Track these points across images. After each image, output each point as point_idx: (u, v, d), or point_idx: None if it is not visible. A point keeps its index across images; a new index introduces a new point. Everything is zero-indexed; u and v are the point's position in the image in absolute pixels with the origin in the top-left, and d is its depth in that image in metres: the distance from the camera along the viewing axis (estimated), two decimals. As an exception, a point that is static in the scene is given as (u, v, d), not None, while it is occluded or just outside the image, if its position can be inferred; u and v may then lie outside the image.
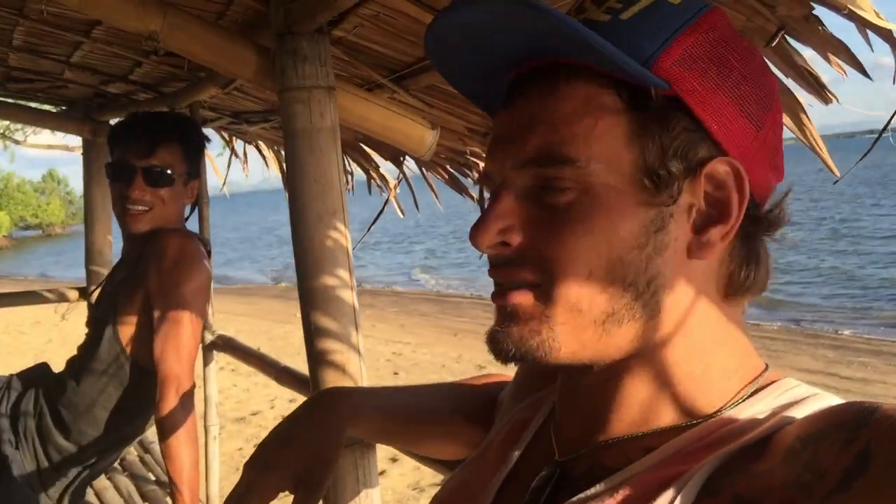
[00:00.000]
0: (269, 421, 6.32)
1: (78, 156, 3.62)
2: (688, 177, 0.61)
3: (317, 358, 1.46)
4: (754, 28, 1.18)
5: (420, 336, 10.81)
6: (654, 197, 0.61)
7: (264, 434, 1.42)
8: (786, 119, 1.29)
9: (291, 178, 1.46)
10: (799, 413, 0.59)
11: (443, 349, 9.65)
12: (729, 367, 0.65)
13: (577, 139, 0.61)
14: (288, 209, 1.47)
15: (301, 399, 1.25)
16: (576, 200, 0.62)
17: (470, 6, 0.61)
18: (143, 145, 2.12)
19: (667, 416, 0.64)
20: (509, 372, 0.99)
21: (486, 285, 0.70)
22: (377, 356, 9.08)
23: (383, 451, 5.06)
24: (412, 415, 1.10)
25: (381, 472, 4.85)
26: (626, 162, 0.61)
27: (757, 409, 0.62)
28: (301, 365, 1.67)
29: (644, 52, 0.60)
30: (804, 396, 0.62)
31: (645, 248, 0.61)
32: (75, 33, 2.28)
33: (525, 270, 0.64)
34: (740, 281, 0.65)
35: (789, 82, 1.24)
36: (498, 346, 0.66)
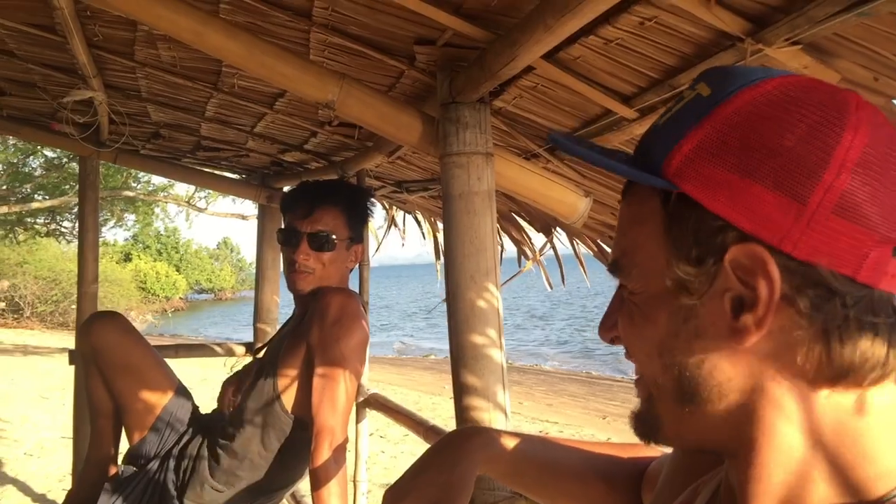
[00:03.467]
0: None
1: (248, 225, 3.93)
2: (712, 266, 0.61)
3: (463, 414, 1.49)
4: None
5: (568, 416, 10.57)
6: (676, 292, 0.63)
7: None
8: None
9: (448, 239, 1.52)
10: None
11: (590, 431, 9.38)
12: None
13: (628, 248, 0.68)
14: (443, 276, 1.54)
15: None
16: (628, 299, 0.69)
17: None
18: (308, 212, 2.27)
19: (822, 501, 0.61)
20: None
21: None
22: (523, 433, 8.94)
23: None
24: (549, 465, 1.11)
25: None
26: (658, 263, 0.64)
27: None
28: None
29: (658, 154, 0.63)
30: None
31: (680, 336, 0.64)
32: (261, 105, 2.51)
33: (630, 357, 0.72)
34: (838, 363, 0.59)
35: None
36: (631, 425, 0.73)
